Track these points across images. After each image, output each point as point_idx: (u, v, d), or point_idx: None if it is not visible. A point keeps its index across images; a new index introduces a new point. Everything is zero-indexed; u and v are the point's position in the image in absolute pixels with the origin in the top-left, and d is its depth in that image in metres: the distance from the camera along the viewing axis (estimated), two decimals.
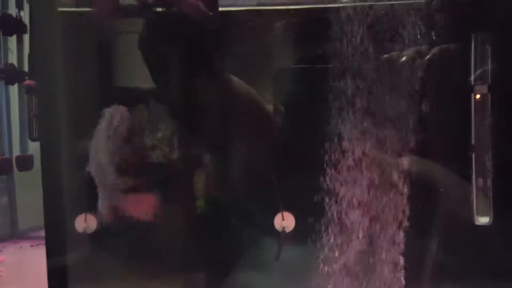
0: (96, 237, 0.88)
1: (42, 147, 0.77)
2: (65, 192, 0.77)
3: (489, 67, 0.77)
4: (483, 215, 0.77)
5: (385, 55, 0.77)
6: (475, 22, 0.79)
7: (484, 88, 0.77)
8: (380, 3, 0.76)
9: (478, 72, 0.78)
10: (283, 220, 0.86)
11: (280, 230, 0.86)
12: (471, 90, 0.78)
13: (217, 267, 0.89)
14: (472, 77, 0.78)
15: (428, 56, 0.79)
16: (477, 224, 0.77)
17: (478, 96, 0.77)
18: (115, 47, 0.90)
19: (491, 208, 0.77)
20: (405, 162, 0.79)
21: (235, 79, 0.88)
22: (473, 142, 0.78)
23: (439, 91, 0.79)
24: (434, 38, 0.77)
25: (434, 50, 0.79)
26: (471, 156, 0.78)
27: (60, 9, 0.78)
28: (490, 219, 0.77)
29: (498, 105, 0.77)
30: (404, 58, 0.78)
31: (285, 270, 0.86)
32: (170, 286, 0.89)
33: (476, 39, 0.78)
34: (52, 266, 0.75)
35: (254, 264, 0.88)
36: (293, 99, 0.87)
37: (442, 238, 0.80)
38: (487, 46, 0.77)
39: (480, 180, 0.77)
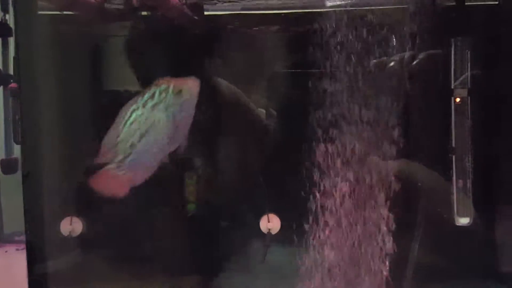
0: (82, 240, 0.88)
1: (23, 150, 0.76)
2: (48, 196, 0.77)
3: (469, 71, 0.78)
4: (463, 216, 0.79)
5: (374, 61, 0.78)
6: (455, 27, 0.80)
7: (464, 92, 0.79)
8: (360, 8, 0.77)
9: (458, 76, 0.79)
10: (268, 222, 0.86)
11: (265, 232, 0.86)
12: (451, 93, 0.80)
13: (203, 269, 0.90)
14: (452, 81, 0.79)
15: (413, 63, 0.80)
16: (457, 224, 0.79)
17: (458, 100, 0.79)
18: (101, 50, 0.90)
19: (472, 209, 0.78)
20: (389, 164, 0.80)
21: (223, 82, 0.89)
22: (453, 144, 0.79)
23: (422, 95, 0.81)
24: (415, 42, 0.78)
25: (420, 56, 0.80)
26: (452, 158, 0.80)
27: (40, 12, 0.78)
28: (470, 220, 0.78)
29: (477, 108, 0.79)
30: (390, 64, 0.79)
31: (271, 271, 0.86)
32: None
33: (456, 43, 0.79)
34: (33, 271, 0.75)
35: (241, 266, 0.88)
36: (283, 102, 0.88)
37: (424, 238, 0.81)
38: (467, 50, 0.79)
39: (460, 181, 0.79)
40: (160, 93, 0.70)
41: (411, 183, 0.81)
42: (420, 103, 0.80)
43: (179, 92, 0.70)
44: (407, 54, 0.80)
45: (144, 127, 0.70)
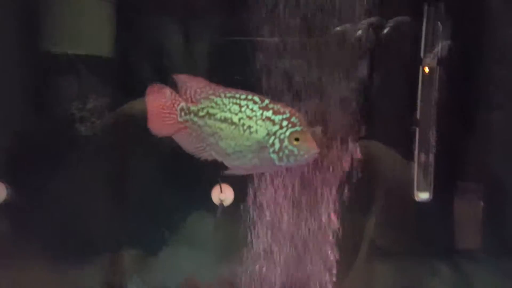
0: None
1: None
2: None
3: (440, 40, 0.75)
4: (423, 191, 0.77)
5: (337, 28, 0.72)
6: None
7: (433, 62, 0.75)
8: None
9: (428, 45, 0.75)
10: (221, 192, 0.80)
11: (218, 203, 0.81)
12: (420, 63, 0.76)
13: (149, 243, 0.83)
14: (422, 50, 0.75)
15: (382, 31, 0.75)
16: (417, 200, 0.77)
17: (426, 69, 0.75)
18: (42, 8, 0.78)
19: (432, 184, 0.76)
20: (348, 137, 0.75)
21: None
22: (418, 116, 0.76)
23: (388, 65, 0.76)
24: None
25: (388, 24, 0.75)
26: (415, 131, 0.77)
27: None
28: (430, 195, 0.77)
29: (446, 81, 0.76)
30: (357, 33, 0.73)
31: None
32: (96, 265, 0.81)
33: (428, 11, 0.75)
34: None
35: (189, 239, 0.83)
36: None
37: (381, 215, 0.79)
38: (439, 20, 0.75)
39: (423, 155, 0.76)
40: (282, 120, 0.61)
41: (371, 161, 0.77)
42: (385, 73, 0.76)
43: (292, 139, 0.61)
44: (374, 21, 0.75)
45: (239, 120, 0.63)
